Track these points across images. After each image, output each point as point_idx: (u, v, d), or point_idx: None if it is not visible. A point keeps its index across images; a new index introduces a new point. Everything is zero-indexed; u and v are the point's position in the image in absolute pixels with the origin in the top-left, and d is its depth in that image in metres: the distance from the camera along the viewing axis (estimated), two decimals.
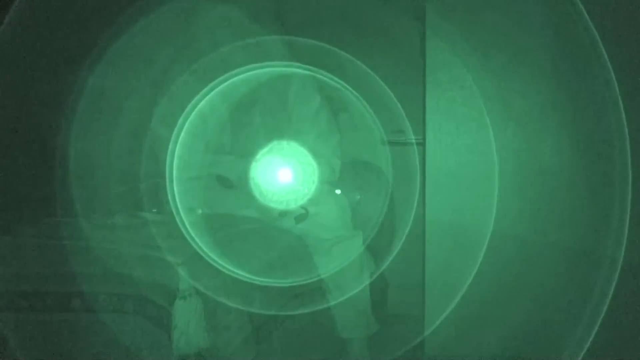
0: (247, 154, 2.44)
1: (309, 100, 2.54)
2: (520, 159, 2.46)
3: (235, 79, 2.36)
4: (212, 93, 2.39)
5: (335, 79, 2.44)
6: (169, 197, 2.24)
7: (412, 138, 2.98)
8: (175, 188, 2.26)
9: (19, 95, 2.84)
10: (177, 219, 2.13)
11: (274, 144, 2.38)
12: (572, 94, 2.37)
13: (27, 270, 1.86)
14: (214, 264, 1.87)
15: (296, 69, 2.47)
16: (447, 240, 2.53)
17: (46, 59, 2.87)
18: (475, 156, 2.49)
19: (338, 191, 2.41)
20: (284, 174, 2.36)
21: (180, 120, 2.43)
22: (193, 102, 2.40)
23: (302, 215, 2.40)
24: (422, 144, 2.72)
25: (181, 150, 2.39)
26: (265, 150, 2.36)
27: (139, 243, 1.89)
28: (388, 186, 2.54)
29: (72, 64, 2.84)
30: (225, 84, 2.36)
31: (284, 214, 2.39)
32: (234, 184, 2.43)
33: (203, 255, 1.87)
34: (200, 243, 1.93)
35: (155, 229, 1.99)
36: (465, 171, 2.50)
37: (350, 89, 2.45)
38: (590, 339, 2.29)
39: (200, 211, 2.31)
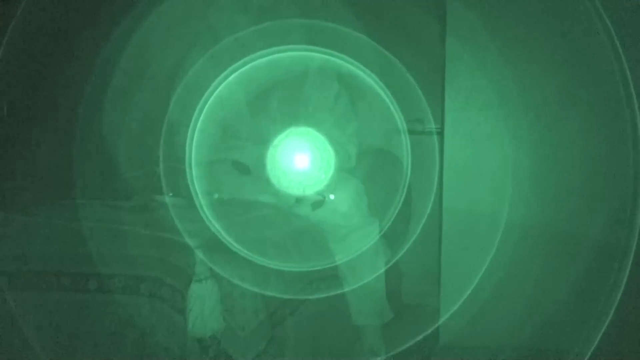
0: (264, 140, 2.44)
1: (327, 87, 2.53)
2: (537, 149, 2.44)
3: (252, 64, 2.35)
4: (230, 78, 2.38)
5: (355, 62, 2.43)
6: (187, 181, 2.24)
7: (430, 127, 2.97)
8: (191, 172, 2.26)
9: (37, 79, 2.85)
10: (194, 203, 2.13)
11: (291, 130, 2.37)
12: (590, 86, 2.35)
13: (44, 251, 1.87)
14: (230, 248, 1.87)
15: (314, 53, 2.45)
16: (464, 229, 2.52)
17: (64, 43, 2.88)
18: (493, 145, 2.48)
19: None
20: (300, 160, 2.35)
21: (197, 105, 2.43)
22: (210, 87, 2.39)
23: (318, 201, 2.40)
24: (440, 133, 2.71)
25: (198, 135, 2.39)
26: (282, 136, 2.35)
27: (156, 226, 1.89)
28: (404, 174, 2.52)
29: (90, 48, 2.85)
30: (243, 69, 2.36)
31: (300, 200, 2.39)
32: (251, 169, 2.43)
33: (219, 238, 1.87)
34: (216, 227, 1.93)
35: (171, 212, 1.98)
36: (483, 160, 2.49)
37: (370, 73, 2.43)
38: (603, 329, 2.28)
39: (216, 195, 2.31)
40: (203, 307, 1.74)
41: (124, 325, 1.78)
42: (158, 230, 1.87)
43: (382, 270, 2.46)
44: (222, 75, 2.36)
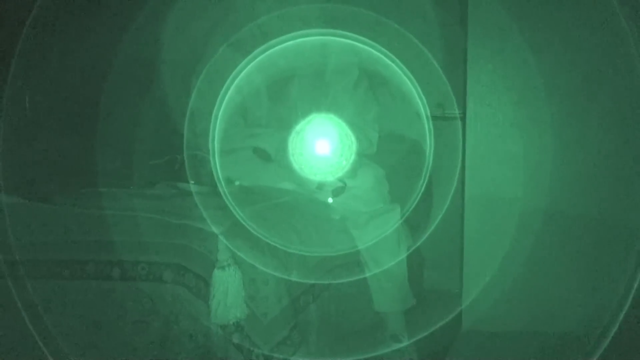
0: (284, 127, 2.43)
1: (347, 73, 2.52)
2: (560, 135, 2.41)
3: (272, 50, 2.34)
4: (250, 65, 2.38)
5: (376, 46, 2.41)
6: (209, 169, 2.25)
7: (451, 112, 2.95)
8: (213, 160, 2.27)
9: (59, 69, 2.87)
10: (216, 190, 2.14)
11: (312, 117, 2.36)
12: (615, 71, 2.31)
13: (68, 238, 1.89)
14: (253, 235, 1.87)
15: (335, 38, 2.44)
16: (486, 214, 2.50)
17: (85, 32, 2.89)
18: (515, 130, 2.46)
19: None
20: (321, 147, 2.35)
21: (218, 93, 2.43)
22: (231, 75, 2.39)
23: (339, 188, 2.39)
24: (461, 118, 2.69)
25: (219, 122, 2.39)
26: (303, 122, 2.35)
27: (178, 213, 1.90)
28: (426, 160, 2.51)
29: (110, 37, 2.86)
30: (263, 55, 2.35)
31: (321, 186, 2.38)
32: (272, 156, 2.43)
33: (242, 225, 1.87)
34: (239, 213, 1.93)
35: (194, 199, 1.99)
36: (505, 146, 2.47)
37: (392, 57, 2.41)
38: (624, 314, 2.26)
39: (237, 183, 2.31)
40: (226, 294, 1.75)
41: (148, 313, 1.79)
42: (181, 217, 1.87)
43: (404, 256, 2.45)
44: (243, 62, 2.36)
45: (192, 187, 2.19)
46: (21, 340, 1.82)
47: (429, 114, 2.55)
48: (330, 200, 2.40)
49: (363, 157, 2.48)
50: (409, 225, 2.56)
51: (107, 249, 1.84)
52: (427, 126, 2.50)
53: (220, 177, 2.25)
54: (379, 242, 2.37)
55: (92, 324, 1.82)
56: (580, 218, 2.42)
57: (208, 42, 2.53)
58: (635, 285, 2.28)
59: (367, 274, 2.38)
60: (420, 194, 2.44)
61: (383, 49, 2.46)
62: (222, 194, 2.10)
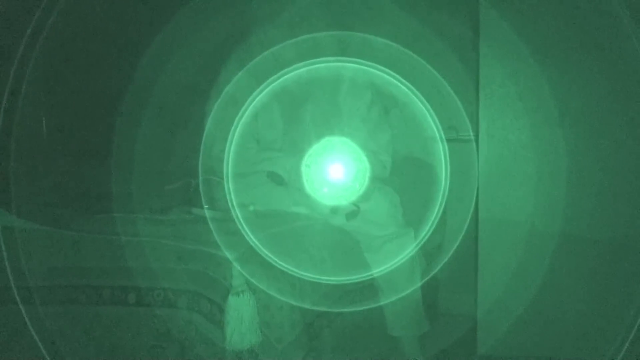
0: (298, 151, 2.44)
1: (360, 96, 2.53)
2: (575, 156, 2.41)
3: (286, 76, 2.36)
4: (264, 90, 2.40)
5: (387, 70, 2.42)
6: (223, 194, 2.26)
7: (464, 134, 2.95)
8: (228, 185, 2.28)
9: (75, 95, 2.90)
10: (230, 215, 2.14)
11: (325, 140, 2.37)
12: (629, 93, 2.31)
13: (85, 264, 1.90)
14: (267, 261, 1.87)
15: (347, 64, 2.46)
16: (500, 238, 2.49)
17: (100, 58, 2.93)
18: (529, 153, 2.45)
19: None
20: (335, 171, 2.35)
21: (232, 118, 2.45)
22: (245, 99, 2.41)
23: (353, 212, 2.39)
24: (474, 141, 2.69)
25: (232, 147, 2.41)
26: (316, 146, 2.36)
27: (193, 239, 1.91)
28: (440, 183, 2.51)
29: (126, 62, 2.89)
30: (277, 81, 2.37)
31: (335, 210, 2.38)
32: (285, 180, 2.44)
33: (256, 251, 1.87)
34: (253, 239, 1.94)
35: (208, 225, 2.00)
36: (519, 168, 2.46)
37: (403, 81, 2.42)
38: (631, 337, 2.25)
39: (252, 208, 2.32)
40: (241, 320, 1.75)
41: (163, 339, 1.80)
42: (195, 243, 1.88)
43: (419, 281, 2.44)
44: (258, 88, 2.38)
45: (207, 212, 2.20)
46: None
47: (443, 136, 2.55)
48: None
49: (376, 181, 2.48)
50: (423, 249, 2.55)
51: (122, 274, 1.85)
52: (442, 149, 2.50)
53: (234, 201, 2.26)
54: (394, 267, 2.37)
55: (108, 349, 1.83)
56: (595, 241, 2.40)
57: (222, 68, 2.56)
58: None
59: (382, 300, 2.37)
60: (438, 218, 2.43)
61: (395, 74, 2.48)
62: (235, 219, 2.10)
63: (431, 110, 2.46)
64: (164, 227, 2.04)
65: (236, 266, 1.78)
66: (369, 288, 2.35)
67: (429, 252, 2.58)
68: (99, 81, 2.93)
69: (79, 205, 2.29)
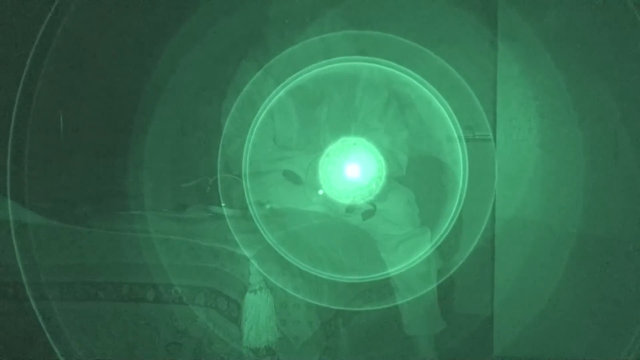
0: (314, 150, 2.45)
1: (376, 96, 2.53)
2: (593, 156, 2.39)
3: (303, 76, 2.37)
4: (280, 89, 2.40)
5: (404, 69, 2.42)
6: (240, 192, 2.27)
7: (481, 134, 2.94)
8: (244, 183, 2.29)
9: (91, 93, 2.92)
10: (248, 214, 2.15)
11: (341, 139, 2.37)
12: None
13: (103, 261, 1.91)
14: (284, 259, 1.88)
15: (364, 63, 2.45)
16: (517, 237, 2.48)
17: (115, 57, 2.94)
18: (546, 152, 2.44)
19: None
20: (351, 170, 2.35)
21: (248, 116, 2.46)
22: (262, 99, 2.42)
23: (369, 211, 2.39)
24: (490, 140, 2.68)
25: (250, 145, 2.41)
26: (332, 145, 2.36)
27: (210, 236, 1.91)
28: (457, 183, 2.50)
29: (142, 61, 2.91)
30: (294, 81, 2.37)
31: (351, 209, 2.38)
32: (302, 179, 2.44)
33: (273, 249, 1.88)
34: (269, 238, 1.94)
35: (226, 223, 2.00)
36: (536, 167, 2.45)
37: (421, 80, 2.42)
38: None
39: (268, 206, 2.32)
40: (258, 318, 1.75)
41: (181, 335, 1.80)
42: (213, 241, 1.89)
43: (435, 281, 2.44)
44: (274, 87, 2.39)
45: (223, 210, 2.21)
46: None
47: (462, 135, 2.54)
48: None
49: (393, 180, 2.48)
50: (439, 248, 2.55)
51: (140, 271, 1.86)
52: (460, 149, 2.49)
53: (251, 200, 2.27)
54: (410, 267, 2.36)
55: (126, 345, 1.84)
56: (614, 242, 2.39)
57: (239, 67, 2.57)
58: None
59: (398, 300, 2.37)
60: (455, 218, 2.43)
61: (412, 72, 2.47)
62: (253, 217, 2.11)
63: (450, 109, 2.45)
64: (182, 224, 2.05)
65: (254, 264, 1.78)
66: (385, 288, 2.35)
67: (445, 252, 2.58)
68: (115, 79, 2.94)
69: (96, 203, 2.31)
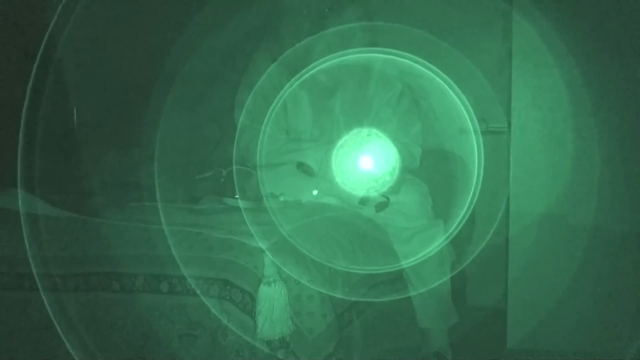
0: (328, 142, 2.44)
1: (390, 87, 2.52)
2: (608, 149, 2.38)
3: (316, 68, 2.36)
4: (294, 82, 2.40)
5: (418, 60, 2.40)
6: (253, 184, 2.27)
7: (495, 126, 2.92)
8: (258, 175, 2.29)
9: (103, 85, 2.92)
10: (262, 205, 2.15)
11: (355, 132, 2.37)
12: None
13: (117, 253, 1.91)
14: (298, 251, 1.87)
15: (377, 54, 2.44)
16: (531, 231, 2.48)
17: (128, 49, 2.94)
18: (561, 145, 2.43)
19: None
20: (364, 162, 2.35)
21: (262, 108, 2.45)
22: (276, 92, 2.42)
23: (382, 203, 2.38)
24: (505, 132, 2.66)
25: (263, 137, 2.41)
26: (346, 137, 2.35)
27: (224, 228, 1.91)
28: (471, 175, 2.49)
29: (154, 53, 2.91)
30: (307, 73, 2.37)
31: (364, 201, 2.38)
32: (315, 171, 2.44)
33: (288, 241, 1.88)
34: (283, 230, 1.94)
35: (239, 214, 2.00)
36: (551, 160, 2.44)
37: (436, 71, 2.40)
38: None
39: (282, 198, 2.32)
40: (272, 310, 1.75)
41: (195, 327, 1.81)
42: (227, 233, 1.88)
43: (448, 273, 2.43)
44: (288, 81, 2.38)
45: (237, 202, 2.21)
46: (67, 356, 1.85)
47: (477, 128, 2.52)
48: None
49: (406, 172, 2.47)
50: (453, 241, 2.54)
51: (155, 263, 1.87)
52: (476, 141, 2.48)
53: (264, 192, 2.27)
54: (423, 259, 2.36)
55: (140, 336, 1.84)
56: (629, 235, 2.38)
57: (253, 59, 2.56)
58: None
59: (412, 292, 2.36)
60: (470, 210, 2.42)
61: (426, 63, 2.46)
62: (267, 209, 2.11)
63: (465, 101, 2.44)
64: (196, 216, 2.05)
65: (268, 256, 1.78)
66: (399, 280, 2.35)
67: (458, 245, 2.57)
68: (128, 72, 2.95)
69: (110, 194, 2.31)
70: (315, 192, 2.34)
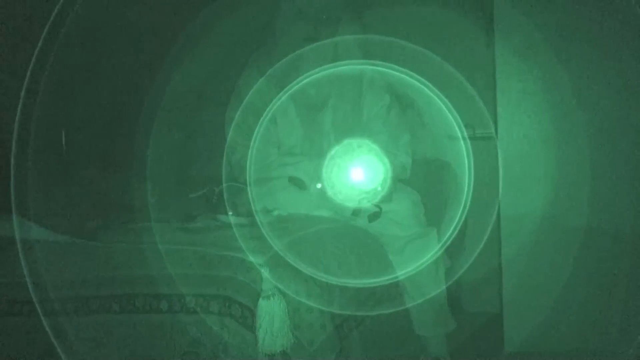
0: (319, 154, 2.46)
1: (379, 98, 2.54)
2: (597, 150, 2.40)
3: (305, 81, 2.38)
4: (283, 95, 2.41)
5: (404, 70, 2.43)
6: (245, 200, 2.28)
7: (482, 132, 2.95)
8: (251, 191, 2.30)
9: (92, 104, 2.92)
10: (254, 221, 2.16)
11: (345, 143, 2.39)
12: None
13: (115, 274, 1.92)
14: (293, 264, 1.89)
15: (366, 66, 2.47)
16: (523, 235, 2.49)
17: (116, 67, 2.95)
18: (549, 148, 2.45)
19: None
20: (356, 173, 2.37)
21: (251, 124, 2.47)
22: (265, 106, 2.43)
23: (375, 213, 2.40)
24: (492, 138, 2.68)
25: (253, 152, 2.42)
26: (336, 149, 2.37)
27: (221, 245, 1.93)
28: (460, 182, 2.51)
29: (143, 71, 2.91)
30: (296, 85, 2.38)
31: (357, 212, 2.40)
32: (307, 184, 2.45)
33: (283, 255, 1.89)
34: (278, 245, 1.95)
35: (235, 231, 2.02)
36: (540, 163, 2.46)
37: (422, 80, 2.43)
38: None
39: (275, 212, 2.34)
40: (272, 323, 1.76)
41: (196, 344, 1.81)
42: (223, 249, 1.90)
43: (444, 281, 2.45)
44: (276, 94, 2.40)
45: (231, 218, 2.22)
46: None
47: (465, 135, 2.54)
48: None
49: (397, 182, 2.49)
50: (446, 248, 2.56)
51: (153, 282, 1.87)
52: (464, 147, 2.50)
53: (257, 207, 2.28)
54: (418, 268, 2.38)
55: (142, 356, 1.84)
56: (619, 236, 2.39)
57: (242, 74, 2.58)
58: None
59: (407, 301, 2.38)
60: (461, 220, 2.43)
61: (411, 72, 2.48)
62: (260, 224, 2.12)
63: (451, 108, 2.46)
64: (191, 234, 2.06)
65: (263, 271, 1.79)
66: (395, 289, 2.36)
67: (452, 251, 2.58)
68: (117, 91, 2.95)
69: (105, 217, 2.32)
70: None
